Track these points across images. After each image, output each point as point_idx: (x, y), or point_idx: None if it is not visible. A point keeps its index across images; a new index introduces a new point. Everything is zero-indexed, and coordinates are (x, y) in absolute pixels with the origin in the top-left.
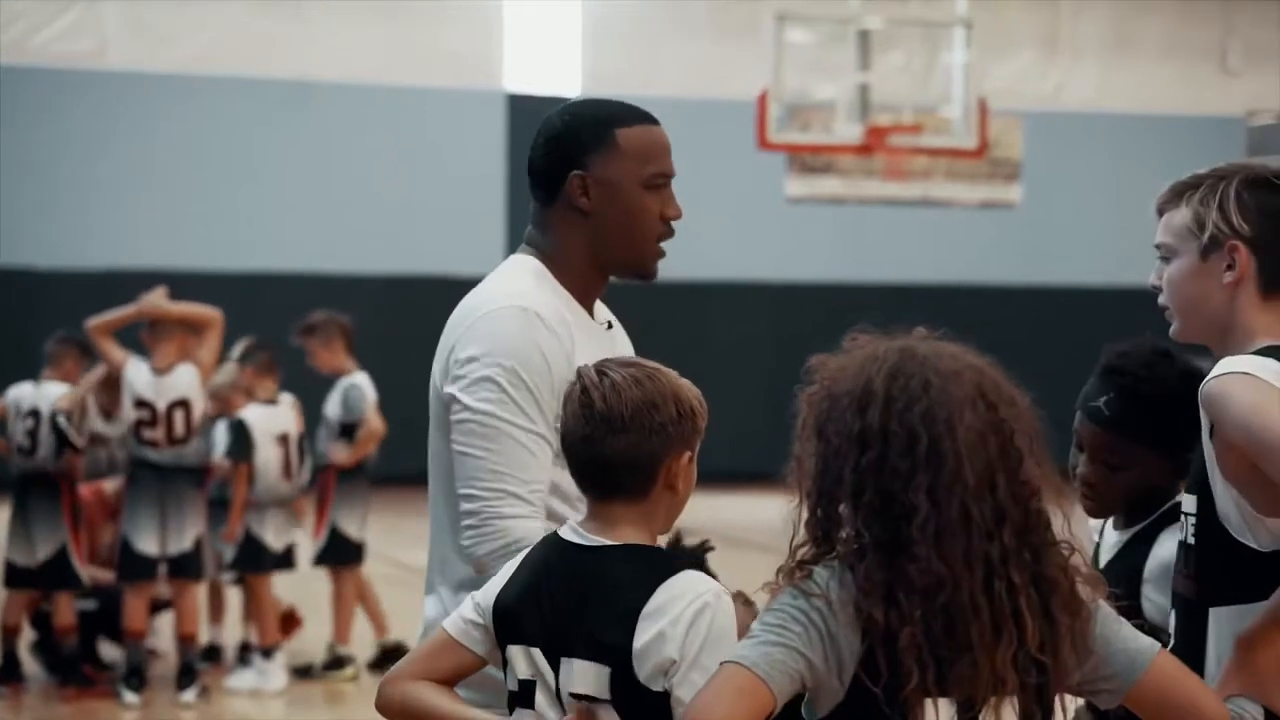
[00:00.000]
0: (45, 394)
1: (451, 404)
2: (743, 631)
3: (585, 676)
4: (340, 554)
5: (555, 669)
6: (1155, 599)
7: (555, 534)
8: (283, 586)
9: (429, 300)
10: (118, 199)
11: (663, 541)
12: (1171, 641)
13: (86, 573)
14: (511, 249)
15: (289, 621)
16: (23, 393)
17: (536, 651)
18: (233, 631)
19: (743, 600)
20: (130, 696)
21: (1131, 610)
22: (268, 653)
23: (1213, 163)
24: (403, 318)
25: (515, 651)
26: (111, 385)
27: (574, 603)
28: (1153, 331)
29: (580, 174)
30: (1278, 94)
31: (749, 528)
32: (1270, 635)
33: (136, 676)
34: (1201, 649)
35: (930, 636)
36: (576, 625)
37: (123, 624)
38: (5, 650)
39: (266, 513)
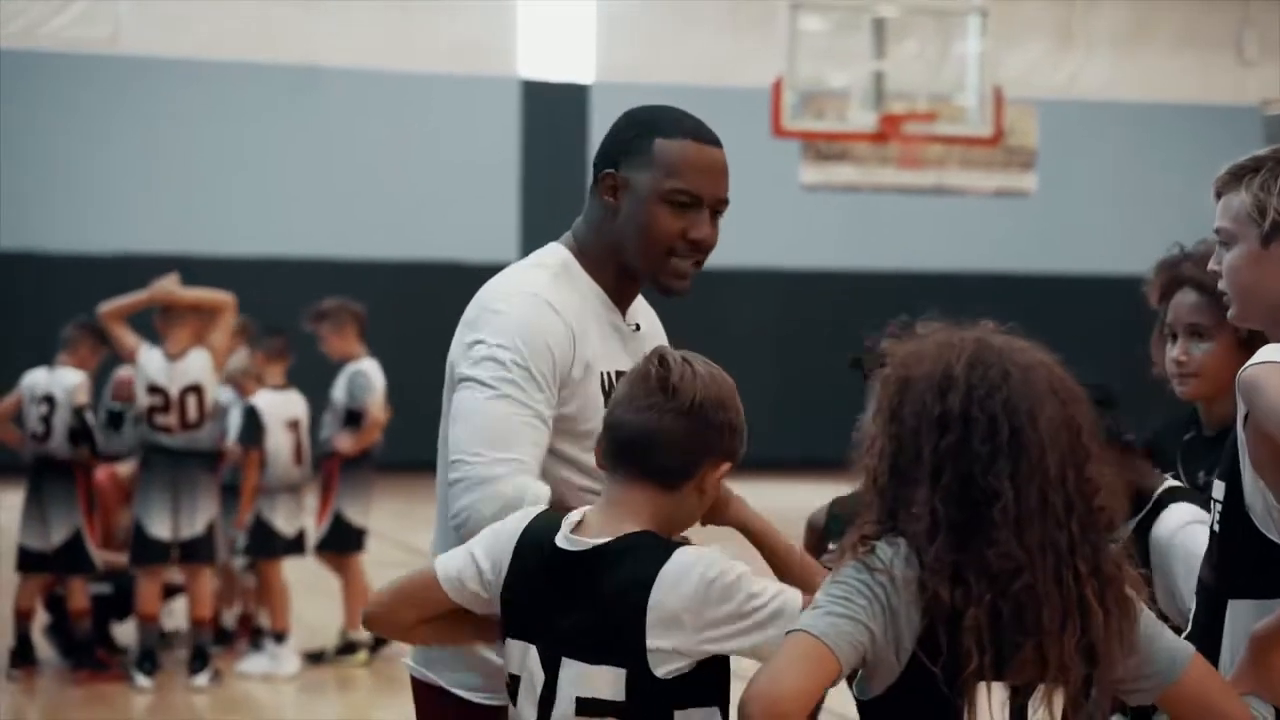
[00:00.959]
0: (59, 380)
1: (458, 383)
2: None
3: (597, 680)
4: (343, 540)
5: (552, 670)
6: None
7: (553, 543)
8: (293, 571)
9: (442, 286)
10: (130, 184)
11: None
12: (1188, 629)
13: (100, 557)
14: (525, 236)
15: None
16: (37, 379)
17: (532, 651)
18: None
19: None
20: (143, 680)
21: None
22: (280, 637)
23: (1228, 153)
24: (416, 304)
25: (513, 645)
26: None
27: (575, 605)
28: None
29: (612, 172)
30: None
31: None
32: None
33: (149, 660)
34: (1218, 640)
35: (996, 620)
36: (579, 627)
37: (135, 608)
38: (19, 634)
39: (277, 498)
